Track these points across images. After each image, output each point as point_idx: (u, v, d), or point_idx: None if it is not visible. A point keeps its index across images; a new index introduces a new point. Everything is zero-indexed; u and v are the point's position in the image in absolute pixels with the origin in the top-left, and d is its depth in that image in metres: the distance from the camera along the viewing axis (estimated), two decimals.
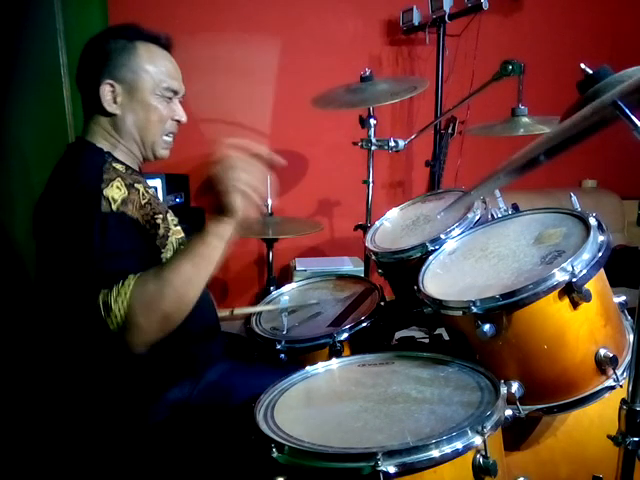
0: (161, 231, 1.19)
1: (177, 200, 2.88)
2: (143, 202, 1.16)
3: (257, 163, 1.02)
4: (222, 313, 1.47)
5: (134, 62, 1.20)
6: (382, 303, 1.48)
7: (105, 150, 1.21)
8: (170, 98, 1.25)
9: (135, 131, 1.23)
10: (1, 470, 1.53)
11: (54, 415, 1.25)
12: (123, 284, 0.97)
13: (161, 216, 1.21)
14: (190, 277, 1.01)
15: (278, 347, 1.34)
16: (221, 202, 1.00)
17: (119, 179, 1.13)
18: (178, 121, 1.28)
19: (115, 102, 1.19)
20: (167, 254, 1.19)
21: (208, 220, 1.04)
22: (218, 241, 1.03)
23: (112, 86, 1.18)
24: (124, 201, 1.09)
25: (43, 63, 2.06)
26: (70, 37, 2.10)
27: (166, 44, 1.26)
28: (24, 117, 2.04)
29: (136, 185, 1.17)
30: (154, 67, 1.22)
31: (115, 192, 1.09)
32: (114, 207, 1.07)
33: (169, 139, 1.29)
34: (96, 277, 0.99)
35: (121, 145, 1.23)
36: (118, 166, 1.18)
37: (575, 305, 1.01)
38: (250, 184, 1.00)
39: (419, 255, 1.38)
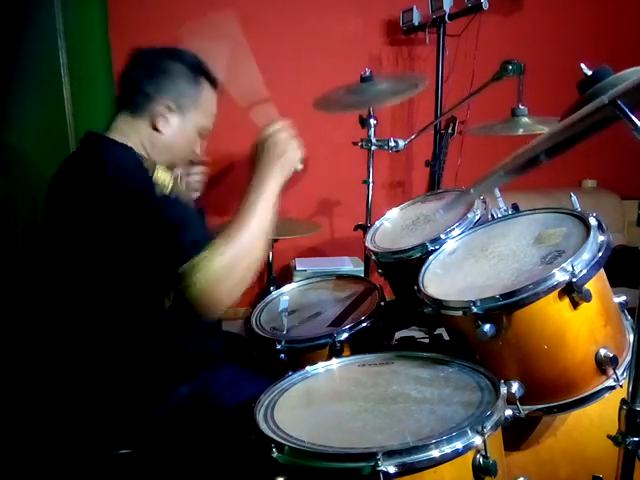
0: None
1: None
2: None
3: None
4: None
5: (198, 100, 1.26)
6: (382, 303, 1.47)
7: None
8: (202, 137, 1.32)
9: (168, 154, 1.27)
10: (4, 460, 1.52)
11: (54, 414, 1.25)
12: (200, 255, 1.00)
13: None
14: (260, 231, 1.09)
15: (278, 347, 1.34)
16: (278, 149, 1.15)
17: (158, 165, 1.16)
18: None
19: (166, 122, 1.23)
20: None
21: (257, 169, 1.15)
22: (275, 185, 1.16)
23: (169, 107, 1.22)
24: (174, 182, 1.13)
25: (43, 63, 2.06)
26: (70, 37, 2.10)
27: (218, 87, 1.32)
28: (24, 117, 2.03)
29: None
30: (209, 112, 1.30)
31: (163, 175, 1.13)
32: (169, 189, 1.10)
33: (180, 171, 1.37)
34: (174, 252, 1.02)
35: (148, 156, 1.25)
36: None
37: (575, 305, 1.01)
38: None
39: (419, 255, 1.37)
